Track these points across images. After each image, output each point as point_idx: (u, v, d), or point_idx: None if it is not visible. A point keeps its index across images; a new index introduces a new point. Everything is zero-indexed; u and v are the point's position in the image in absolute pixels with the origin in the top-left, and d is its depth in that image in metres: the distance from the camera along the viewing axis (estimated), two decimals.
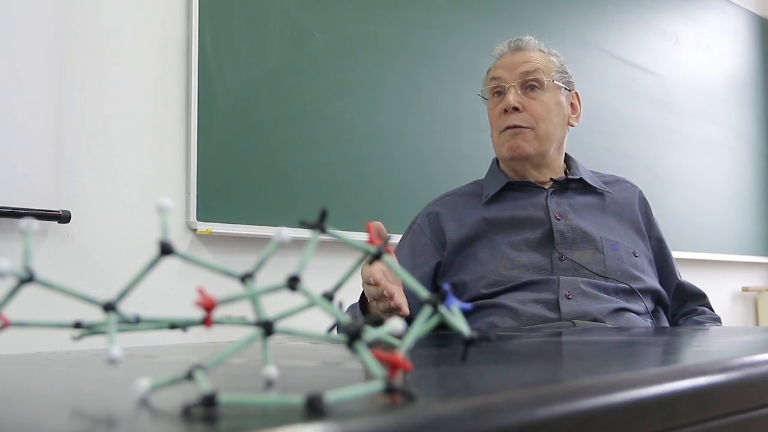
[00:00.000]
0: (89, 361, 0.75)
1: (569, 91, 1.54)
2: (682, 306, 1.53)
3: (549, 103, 1.48)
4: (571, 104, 1.55)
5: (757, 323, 4.10)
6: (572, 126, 1.56)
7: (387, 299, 1.14)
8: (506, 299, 1.37)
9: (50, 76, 1.84)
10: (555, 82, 1.50)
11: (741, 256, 3.95)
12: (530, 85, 1.48)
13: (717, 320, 1.50)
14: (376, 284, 1.13)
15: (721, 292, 3.89)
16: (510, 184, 1.51)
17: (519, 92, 1.48)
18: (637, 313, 1.39)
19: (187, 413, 0.37)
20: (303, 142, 2.31)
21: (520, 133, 1.47)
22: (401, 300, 1.17)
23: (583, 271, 1.39)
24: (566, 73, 1.53)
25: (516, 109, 1.47)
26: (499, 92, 1.51)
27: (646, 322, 1.40)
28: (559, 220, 1.45)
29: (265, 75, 2.24)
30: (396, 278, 1.20)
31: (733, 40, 4.11)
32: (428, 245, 1.49)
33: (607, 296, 1.38)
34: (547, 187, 1.51)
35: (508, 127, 1.48)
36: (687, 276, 1.60)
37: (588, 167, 1.61)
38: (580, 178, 1.52)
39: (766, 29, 4.35)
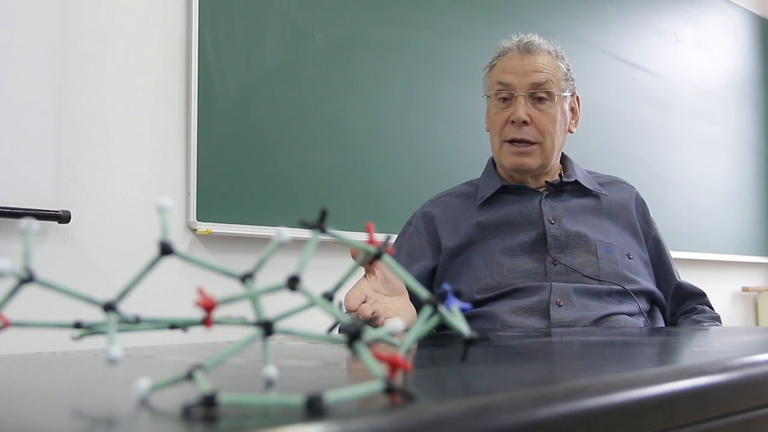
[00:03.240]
0: (89, 361, 0.75)
1: (572, 96, 1.52)
2: (681, 305, 1.53)
3: (555, 116, 1.46)
4: (572, 108, 1.53)
5: (757, 323, 4.10)
6: (571, 132, 1.54)
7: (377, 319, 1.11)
8: (497, 307, 1.37)
9: (50, 77, 1.84)
10: (563, 93, 1.48)
11: (741, 256, 3.95)
12: (539, 96, 1.46)
13: (716, 319, 1.50)
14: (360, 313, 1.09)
15: (721, 292, 3.89)
16: (504, 187, 1.50)
17: (527, 102, 1.45)
18: (630, 314, 1.38)
19: (187, 413, 0.37)
20: (303, 142, 2.31)
21: (527, 153, 1.46)
22: (396, 310, 1.14)
23: (576, 275, 1.39)
24: (572, 78, 1.51)
25: (524, 122, 1.45)
26: (505, 98, 1.48)
27: (638, 323, 1.40)
28: (552, 223, 1.44)
29: (265, 75, 2.24)
30: (396, 279, 1.19)
31: (733, 40, 4.11)
32: (425, 246, 1.48)
33: (598, 303, 1.37)
34: (541, 191, 1.50)
35: (514, 140, 1.46)
36: (687, 276, 1.60)
37: (588, 167, 1.60)
38: (575, 180, 1.51)
39: (766, 29, 4.35)
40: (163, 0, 2.10)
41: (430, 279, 1.47)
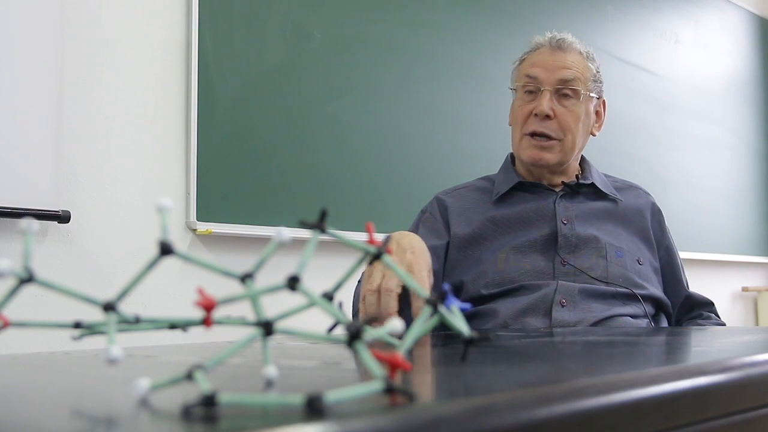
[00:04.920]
0: (89, 361, 0.75)
1: (598, 99, 1.52)
2: (689, 312, 1.53)
3: (579, 115, 1.46)
4: (596, 112, 1.53)
5: (757, 323, 4.10)
6: (593, 135, 1.54)
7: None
8: (501, 305, 1.37)
9: (50, 77, 1.84)
10: (590, 93, 1.47)
11: (741, 256, 3.95)
12: (565, 93, 1.46)
13: (721, 325, 1.50)
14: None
15: (721, 292, 3.89)
16: (521, 184, 1.50)
17: (553, 97, 1.45)
18: (634, 317, 1.38)
19: (187, 413, 0.37)
20: (303, 142, 2.31)
21: (546, 147, 1.45)
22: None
23: (583, 277, 1.39)
24: (600, 81, 1.51)
25: (547, 116, 1.44)
26: (531, 90, 1.47)
27: (641, 324, 1.39)
28: (565, 224, 1.44)
29: (265, 75, 2.24)
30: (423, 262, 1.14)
31: (733, 40, 4.11)
32: (440, 229, 1.48)
33: (601, 305, 1.37)
34: (557, 191, 1.50)
35: (534, 133, 1.46)
36: (687, 276, 1.60)
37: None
38: (592, 183, 1.51)
39: (766, 29, 4.35)
40: (163, 0, 2.10)
41: (445, 255, 1.47)
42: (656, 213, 1.55)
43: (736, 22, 4.13)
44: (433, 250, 1.40)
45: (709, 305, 1.53)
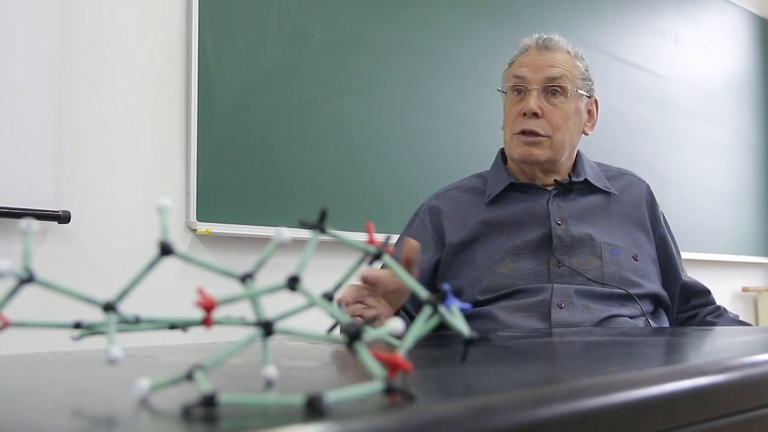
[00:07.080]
0: (89, 361, 0.75)
1: (589, 97, 1.53)
2: (686, 303, 1.53)
3: (568, 112, 1.47)
4: (588, 111, 1.53)
5: (757, 323, 4.10)
6: (586, 134, 1.55)
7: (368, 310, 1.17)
8: (498, 308, 1.37)
9: (50, 76, 1.84)
10: (578, 90, 1.48)
11: (741, 256, 3.94)
12: (553, 90, 1.46)
13: (736, 320, 1.50)
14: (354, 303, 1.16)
15: (721, 292, 3.89)
16: (513, 184, 1.50)
17: (540, 96, 1.46)
18: (631, 317, 1.38)
19: (187, 413, 0.37)
20: (303, 142, 2.31)
21: (536, 143, 1.46)
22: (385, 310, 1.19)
23: (579, 278, 1.39)
24: (589, 79, 1.52)
25: (535, 114, 1.45)
26: (520, 90, 1.48)
27: (639, 325, 1.39)
28: (559, 225, 1.44)
29: (265, 75, 2.24)
30: (392, 278, 1.21)
31: (733, 40, 4.11)
32: (428, 240, 1.48)
33: (599, 305, 1.37)
34: (550, 189, 1.50)
35: (524, 132, 1.46)
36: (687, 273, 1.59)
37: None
38: (585, 179, 1.51)
39: (766, 29, 4.35)
40: (163, 0, 2.10)
41: (433, 272, 1.47)
42: (650, 199, 1.55)
43: (736, 22, 4.13)
44: (417, 264, 1.45)
45: (705, 294, 1.53)
